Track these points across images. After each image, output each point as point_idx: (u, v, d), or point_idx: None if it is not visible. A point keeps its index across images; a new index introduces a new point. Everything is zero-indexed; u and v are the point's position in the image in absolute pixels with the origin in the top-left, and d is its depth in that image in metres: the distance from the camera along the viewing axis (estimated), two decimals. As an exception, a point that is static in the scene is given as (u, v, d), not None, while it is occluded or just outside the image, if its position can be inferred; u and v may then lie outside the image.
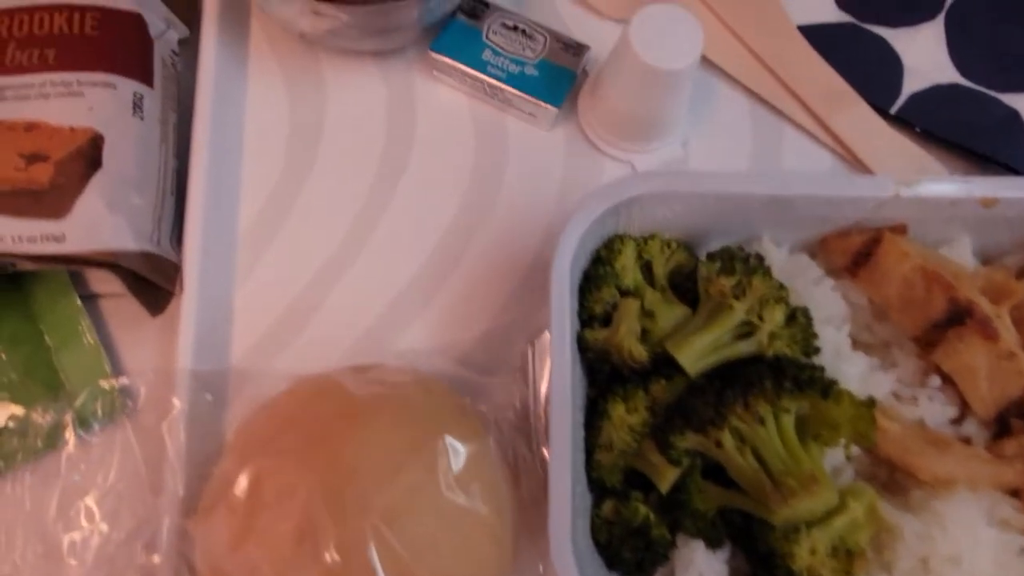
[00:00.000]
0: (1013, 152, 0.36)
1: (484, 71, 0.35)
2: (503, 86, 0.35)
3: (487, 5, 0.36)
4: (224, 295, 0.32)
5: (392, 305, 0.33)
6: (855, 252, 0.29)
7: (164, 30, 0.33)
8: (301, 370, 0.30)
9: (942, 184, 0.28)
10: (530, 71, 0.36)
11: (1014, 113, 0.37)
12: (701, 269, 0.28)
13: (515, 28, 0.36)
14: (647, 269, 0.30)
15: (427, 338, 0.33)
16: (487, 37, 0.36)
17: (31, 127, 0.29)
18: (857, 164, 0.37)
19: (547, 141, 0.37)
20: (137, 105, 0.30)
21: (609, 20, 0.38)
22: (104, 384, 0.29)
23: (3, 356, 0.30)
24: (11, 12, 0.30)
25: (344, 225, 0.34)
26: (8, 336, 0.30)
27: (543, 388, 0.31)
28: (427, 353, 0.31)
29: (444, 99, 0.37)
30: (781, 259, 0.30)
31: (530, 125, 0.37)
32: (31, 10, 0.30)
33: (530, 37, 0.36)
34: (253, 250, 0.33)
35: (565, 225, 0.27)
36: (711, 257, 0.29)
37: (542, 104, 0.35)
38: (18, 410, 0.29)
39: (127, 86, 0.30)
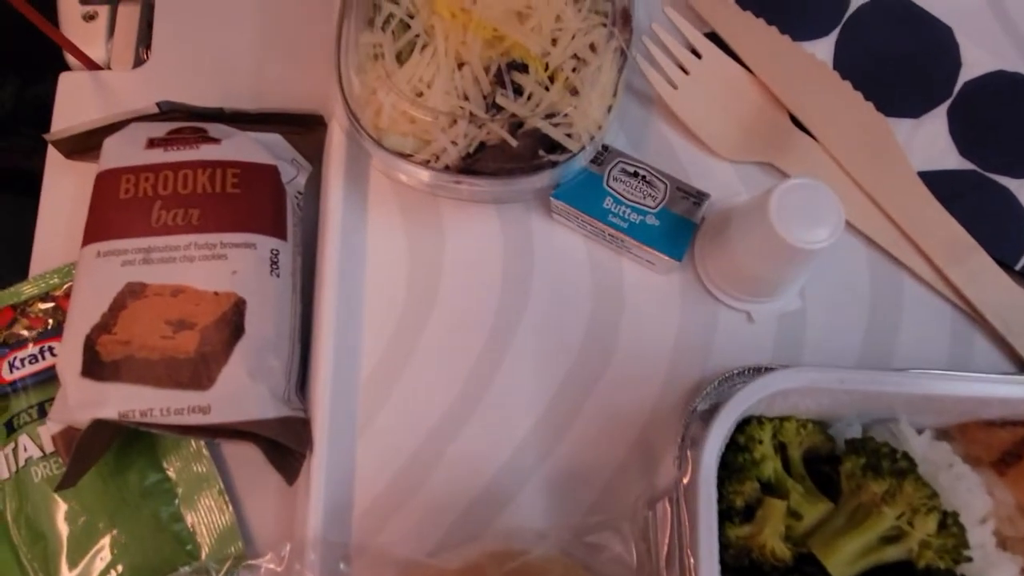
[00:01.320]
0: None
1: (605, 220, 0.35)
2: (625, 237, 0.35)
3: (607, 148, 0.36)
4: (347, 453, 0.33)
5: (509, 461, 0.33)
6: (1003, 450, 0.28)
7: (294, 176, 0.34)
8: (423, 538, 0.30)
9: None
10: (651, 220, 0.36)
11: None
12: (845, 464, 0.28)
13: (635, 174, 0.36)
14: (781, 450, 0.30)
15: (545, 496, 0.33)
16: (608, 184, 0.36)
17: (177, 292, 0.29)
18: (979, 319, 0.36)
19: (663, 286, 0.37)
20: (274, 262, 0.31)
21: (726, 161, 0.38)
22: (236, 551, 0.29)
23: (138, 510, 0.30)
24: (157, 169, 0.31)
25: (461, 375, 0.34)
26: (138, 487, 0.31)
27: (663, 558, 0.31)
28: (546, 529, 0.31)
29: (561, 242, 0.37)
30: (922, 446, 0.30)
31: (646, 269, 0.37)
32: (176, 167, 0.31)
33: (650, 184, 0.36)
34: (373, 402, 0.33)
35: (706, 437, 0.26)
36: (853, 448, 0.28)
37: (663, 256, 0.35)
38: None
39: (265, 244, 0.31)
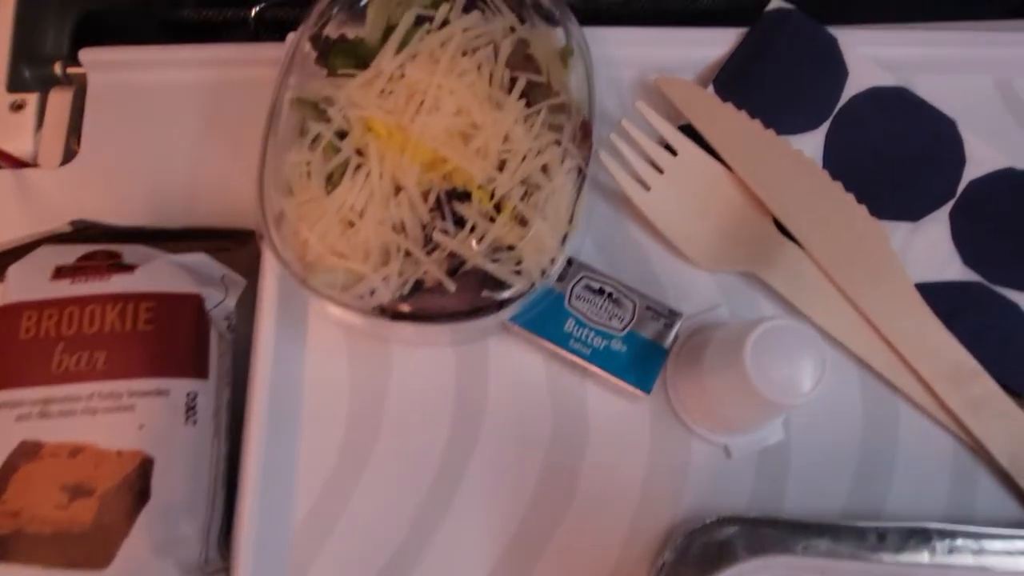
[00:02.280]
0: None
1: (566, 346, 0.32)
2: (587, 365, 0.32)
3: (570, 261, 0.33)
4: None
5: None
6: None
7: (221, 299, 0.31)
8: None
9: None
10: (617, 346, 0.32)
11: None
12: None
13: (601, 291, 0.33)
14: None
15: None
16: (570, 303, 0.33)
17: (76, 452, 0.26)
18: (983, 455, 0.33)
19: (631, 415, 0.33)
20: (191, 408, 0.28)
21: (705, 272, 0.35)
22: None
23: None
24: (62, 304, 0.28)
25: (405, 520, 0.31)
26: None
27: None
28: None
29: (519, 363, 0.33)
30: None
31: (613, 394, 0.34)
32: (83, 302, 0.28)
33: (617, 303, 0.33)
34: (307, 551, 0.30)
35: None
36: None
37: (629, 387, 0.32)
38: None
39: (181, 388, 0.28)
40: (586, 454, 0.33)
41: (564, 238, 0.27)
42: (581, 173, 0.28)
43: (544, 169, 0.27)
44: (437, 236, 0.26)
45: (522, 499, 0.32)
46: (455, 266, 0.26)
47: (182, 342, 0.28)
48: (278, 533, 0.30)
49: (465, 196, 0.27)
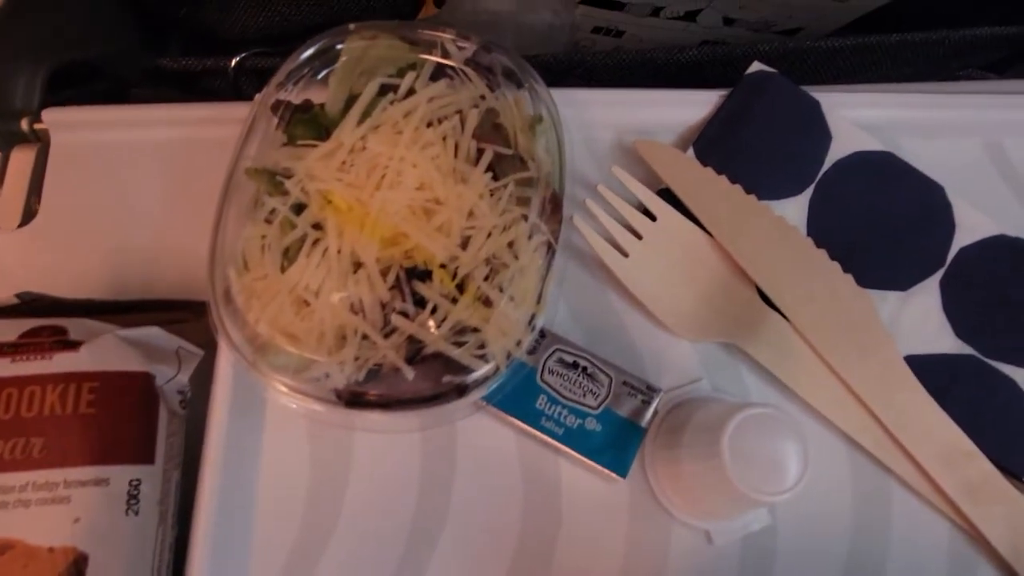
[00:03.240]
0: None
1: (537, 425, 0.30)
2: (560, 446, 0.30)
3: (543, 333, 0.32)
4: None
5: None
6: None
7: (173, 375, 0.29)
8: None
9: None
10: (591, 425, 0.31)
11: None
12: None
13: (575, 365, 0.31)
14: None
15: None
16: (542, 378, 0.31)
17: (5, 548, 0.24)
18: (981, 541, 0.31)
19: (607, 496, 0.31)
20: (133, 497, 0.26)
21: (687, 343, 0.33)
22: None
23: None
24: (2, 383, 0.27)
25: (366, 613, 0.29)
26: None
27: None
28: None
29: (489, 439, 0.31)
30: None
31: (588, 473, 0.32)
32: (22, 383, 0.26)
33: (592, 378, 0.31)
34: (257, 650, 0.28)
35: None
36: None
37: (605, 471, 0.30)
38: None
39: (123, 476, 0.26)
40: (560, 539, 0.31)
41: (532, 319, 0.26)
42: (550, 249, 0.27)
43: (511, 246, 0.26)
44: (395, 319, 0.24)
45: (491, 588, 0.30)
46: (415, 350, 0.25)
47: (126, 425, 0.27)
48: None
49: (426, 275, 0.25)
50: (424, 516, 0.31)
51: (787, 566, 0.30)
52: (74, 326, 0.28)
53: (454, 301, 0.25)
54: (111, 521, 0.25)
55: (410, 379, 0.24)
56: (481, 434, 0.32)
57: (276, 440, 0.31)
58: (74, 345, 0.27)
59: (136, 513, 0.26)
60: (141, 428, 0.27)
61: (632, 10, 0.42)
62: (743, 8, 0.41)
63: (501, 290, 0.25)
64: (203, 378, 0.31)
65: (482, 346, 0.25)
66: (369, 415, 0.25)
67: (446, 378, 0.25)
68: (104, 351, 0.28)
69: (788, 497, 0.25)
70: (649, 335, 0.34)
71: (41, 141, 0.39)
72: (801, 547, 0.31)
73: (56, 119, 0.37)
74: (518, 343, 0.26)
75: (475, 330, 0.25)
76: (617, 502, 0.31)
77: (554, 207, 0.27)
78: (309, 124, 0.27)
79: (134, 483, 0.26)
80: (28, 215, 0.37)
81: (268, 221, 0.27)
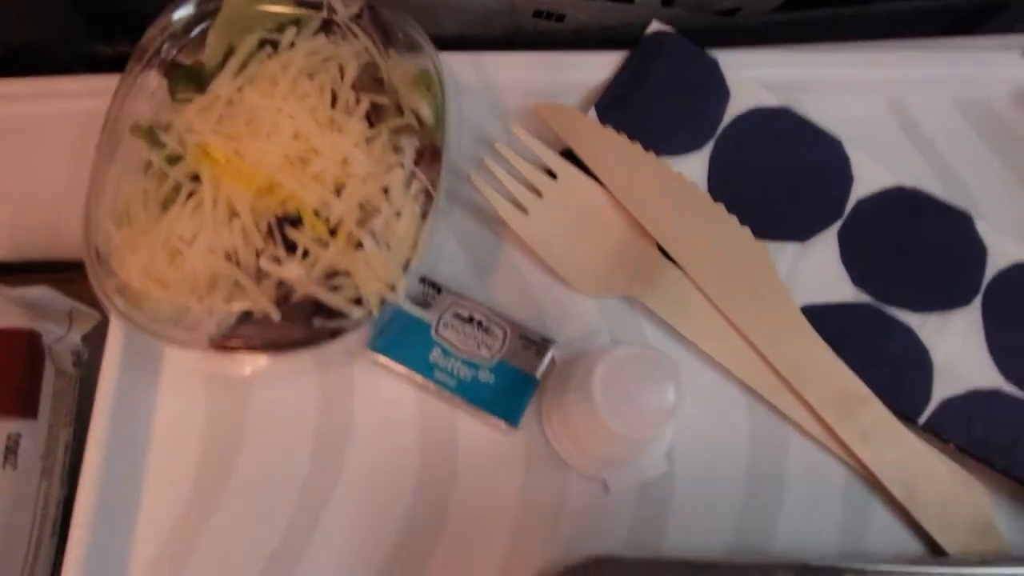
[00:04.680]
0: (1075, 490, 0.30)
1: (431, 376, 0.30)
2: (452, 397, 0.30)
3: (439, 290, 0.32)
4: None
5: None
6: None
7: (63, 334, 0.29)
8: None
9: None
10: (484, 376, 0.31)
11: (1074, 433, 0.31)
12: None
13: (470, 319, 0.31)
14: None
15: None
16: (437, 332, 0.31)
17: None
18: (876, 484, 0.31)
19: (505, 447, 0.31)
20: (11, 450, 0.26)
21: (588, 298, 0.33)
22: None
23: None
24: None
25: (257, 567, 0.29)
26: None
27: None
28: None
29: (386, 394, 0.31)
30: None
31: (486, 426, 0.32)
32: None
33: (487, 331, 0.31)
34: (145, 604, 0.28)
35: None
36: None
37: (497, 420, 0.30)
38: None
39: (0, 430, 0.26)
40: (456, 489, 0.31)
41: (407, 264, 0.26)
42: (429, 197, 0.27)
43: (385, 192, 0.26)
44: (264, 263, 0.25)
45: (387, 538, 0.30)
46: (285, 294, 0.25)
47: (7, 381, 0.27)
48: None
49: (299, 222, 0.26)
50: (319, 470, 0.31)
51: (683, 512, 0.31)
52: (-41, 285, 0.29)
53: (327, 247, 0.25)
54: (-14, 473, 0.26)
55: (276, 319, 0.24)
56: (379, 390, 0.32)
57: (171, 399, 0.31)
58: (-43, 303, 0.28)
59: (14, 467, 0.26)
60: (22, 384, 0.27)
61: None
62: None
63: (373, 235, 0.26)
64: (98, 346, 0.32)
65: (355, 289, 0.25)
66: (247, 359, 0.25)
67: (317, 321, 0.25)
68: (-12, 309, 0.28)
69: (658, 433, 0.25)
70: (550, 291, 0.34)
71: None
72: (697, 493, 0.31)
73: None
74: (392, 287, 0.26)
75: (348, 275, 0.25)
76: (514, 454, 0.31)
77: (433, 157, 0.27)
78: (189, 79, 0.28)
79: (13, 437, 0.26)
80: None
81: (149, 177, 0.27)
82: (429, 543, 0.30)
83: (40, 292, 0.29)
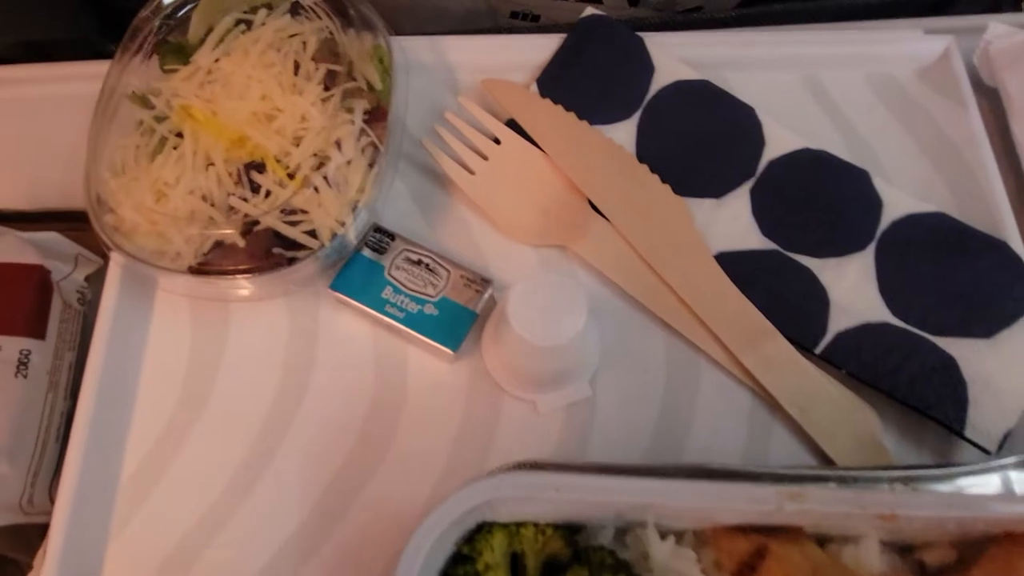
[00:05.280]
0: (947, 407, 0.33)
1: (382, 310, 0.35)
2: (400, 327, 0.35)
3: (392, 237, 0.37)
4: (95, 552, 0.32)
5: (267, 566, 0.32)
6: (740, 561, 0.26)
7: (69, 272, 0.34)
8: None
9: (831, 497, 0.26)
10: (429, 310, 0.35)
11: (950, 360, 0.34)
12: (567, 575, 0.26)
13: (419, 262, 0.36)
14: (518, 559, 0.28)
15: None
16: (389, 273, 0.36)
17: (-90, 395, 0.29)
18: (777, 408, 0.35)
19: (449, 376, 0.36)
20: (22, 363, 0.31)
21: (527, 246, 0.38)
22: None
23: None
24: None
25: (228, 473, 0.33)
26: None
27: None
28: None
29: (347, 331, 0.36)
30: (663, 552, 0.28)
31: (433, 357, 0.36)
32: (-66, 270, 0.32)
33: (433, 272, 0.36)
34: (132, 501, 0.33)
35: (409, 540, 0.25)
36: (579, 558, 0.27)
37: (439, 347, 0.35)
38: None
39: (14, 345, 0.31)
40: (403, 412, 0.35)
41: (355, 206, 0.31)
42: (376, 149, 0.32)
43: (337, 144, 0.31)
44: (232, 200, 0.29)
45: (342, 448, 0.34)
46: (249, 226, 0.29)
47: (20, 305, 0.32)
48: (105, 485, 0.33)
49: (264, 168, 0.30)
50: (286, 392, 0.35)
51: (604, 430, 0.34)
52: (-16, 229, 0.34)
53: (286, 188, 0.30)
54: (2, 378, 0.30)
55: (242, 247, 0.29)
56: (339, 324, 0.36)
57: (160, 328, 0.36)
58: (-20, 241, 0.33)
59: (25, 377, 0.31)
60: (34, 310, 0.32)
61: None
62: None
63: (326, 179, 0.30)
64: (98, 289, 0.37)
65: (310, 224, 0.30)
66: (220, 282, 0.30)
67: (276, 250, 0.30)
68: (4, 248, 0.33)
69: (564, 342, 0.29)
70: (493, 241, 0.38)
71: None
72: (618, 414, 0.35)
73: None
74: (342, 223, 0.30)
75: (304, 212, 0.30)
76: (456, 381, 0.35)
77: (381, 117, 0.32)
78: (175, 53, 0.33)
79: (24, 352, 0.31)
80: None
81: (143, 135, 0.32)
82: (378, 456, 0.34)
83: (51, 236, 0.34)
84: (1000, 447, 0.32)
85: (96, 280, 0.37)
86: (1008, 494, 0.28)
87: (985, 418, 0.33)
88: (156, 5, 0.34)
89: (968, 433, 0.32)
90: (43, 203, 0.38)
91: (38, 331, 0.32)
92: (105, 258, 0.36)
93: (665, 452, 0.34)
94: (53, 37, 0.49)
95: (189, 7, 0.34)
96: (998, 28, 0.41)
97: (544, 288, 0.30)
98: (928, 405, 0.33)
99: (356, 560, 0.32)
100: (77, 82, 0.43)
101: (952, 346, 0.34)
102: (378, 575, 0.32)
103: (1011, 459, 0.28)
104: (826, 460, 0.34)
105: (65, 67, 0.43)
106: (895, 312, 0.35)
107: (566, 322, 0.30)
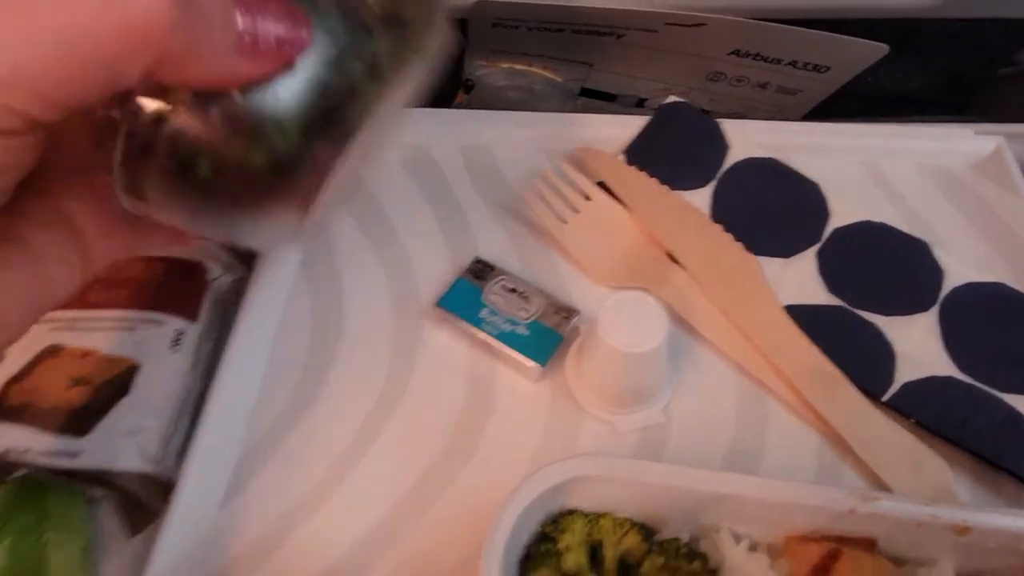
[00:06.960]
0: (1017, 458, 0.34)
1: (479, 326, 0.39)
2: (495, 342, 0.39)
3: (492, 268, 0.41)
4: (206, 517, 0.35)
5: (358, 545, 0.34)
6: (813, 565, 0.27)
7: (220, 275, 0.40)
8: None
9: (904, 505, 0.27)
10: (521, 331, 0.39)
11: (1019, 415, 0.35)
12: (644, 564, 0.28)
13: (513, 290, 0.41)
14: (597, 550, 0.30)
15: (385, 584, 0.33)
16: (487, 297, 0.40)
17: (86, 354, 0.35)
18: (846, 449, 0.36)
19: (534, 395, 0.39)
20: (176, 340, 0.36)
21: (607, 287, 0.42)
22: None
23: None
24: (108, 257, 0.38)
25: (328, 459, 0.37)
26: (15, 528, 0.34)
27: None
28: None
29: (445, 343, 0.40)
30: (737, 555, 0.29)
31: (520, 375, 0.40)
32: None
33: (526, 299, 0.40)
34: (243, 476, 0.36)
35: (502, 510, 0.27)
36: (657, 550, 0.28)
37: (527, 361, 0.38)
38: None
39: (172, 323, 0.37)
40: (489, 423, 0.38)
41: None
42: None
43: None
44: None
45: (434, 448, 0.37)
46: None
47: (182, 291, 0.37)
48: (224, 458, 0.36)
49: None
50: (386, 396, 0.39)
51: (675, 458, 0.36)
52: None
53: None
54: (158, 350, 0.35)
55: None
56: (440, 338, 0.40)
57: (285, 332, 0.41)
58: (158, 240, 0.39)
59: (177, 351, 0.36)
60: (191, 298, 0.38)
61: (621, 101, 0.55)
62: (712, 101, 0.53)
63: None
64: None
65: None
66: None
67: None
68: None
69: (647, 351, 0.32)
70: (580, 283, 0.43)
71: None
72: (688, 443, 0.37)
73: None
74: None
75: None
76: (539, 399, 0.38)
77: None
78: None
79: (178, 331, 0.36)
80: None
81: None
82: (463, 460, 0.37)
83: (207, 245, 0.40)
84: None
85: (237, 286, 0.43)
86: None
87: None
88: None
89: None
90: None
91: (192, 315, 0.37)
92: (249, 268, 0.42)
93: (735, 482, 0.36)
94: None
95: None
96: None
97: (630, 303, 0.34)
98: (999, 456, 0.34)
99: (432, 555, 0.34)
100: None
101: (1020, 403, 0.35)
102: (450, 569, 0.34)
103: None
104: (896, 504, 0.35)
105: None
106: (961, 368, 0.37)
107: (648, 333, 0.33)
